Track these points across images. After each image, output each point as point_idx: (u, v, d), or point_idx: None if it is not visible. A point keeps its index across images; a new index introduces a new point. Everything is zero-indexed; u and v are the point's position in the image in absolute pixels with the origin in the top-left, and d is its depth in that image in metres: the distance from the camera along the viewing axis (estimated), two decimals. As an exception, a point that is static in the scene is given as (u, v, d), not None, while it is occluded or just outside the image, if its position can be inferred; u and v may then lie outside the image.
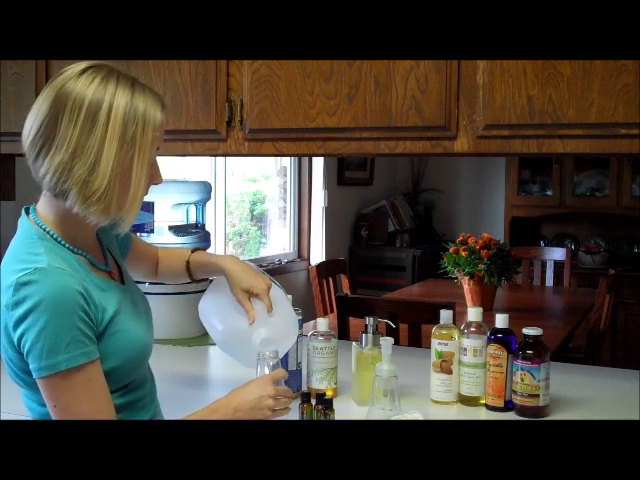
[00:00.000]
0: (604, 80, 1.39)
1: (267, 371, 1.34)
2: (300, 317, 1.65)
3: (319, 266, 3.70)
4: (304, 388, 1.70)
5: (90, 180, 1.13)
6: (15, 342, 1.12)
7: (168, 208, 2.41)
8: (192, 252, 1.57)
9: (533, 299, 3.97)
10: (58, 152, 1.13)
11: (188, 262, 1.56)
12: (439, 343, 1.65)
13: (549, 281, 4.34)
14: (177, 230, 2.39)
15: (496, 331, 1.62)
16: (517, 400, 1.57)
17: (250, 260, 4.16)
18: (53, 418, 1.14)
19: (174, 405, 1.46)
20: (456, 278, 3.26)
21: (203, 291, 1.60)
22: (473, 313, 1.66)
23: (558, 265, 4.37)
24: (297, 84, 1.65)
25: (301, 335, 1.69)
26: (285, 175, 4.53)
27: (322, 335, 1.68)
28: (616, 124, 1.40)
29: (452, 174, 5.55)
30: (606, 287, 3.25)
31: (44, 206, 1.21)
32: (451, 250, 3.24)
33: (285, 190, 4.55)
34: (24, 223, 1.22)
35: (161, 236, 2.35)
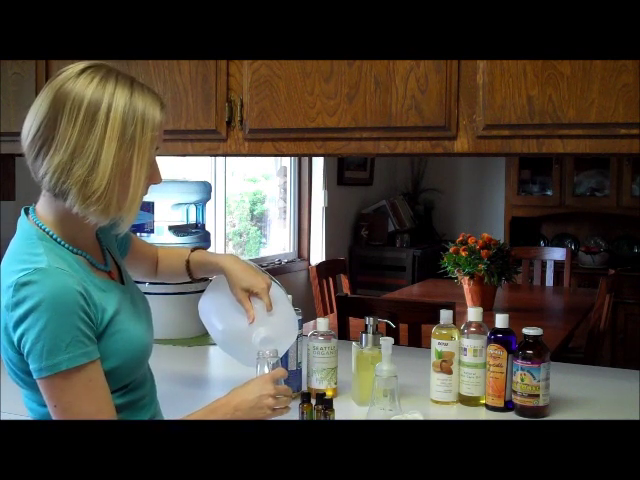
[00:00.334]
0: (604, 80, 1.39)
1: (267, 370, 1.34)
2: (300, 317, 1.65)
3: (319, 266, 3.70)
4: (304, 388, 1.70)
5: (90, 180, 1.13)
6: (15, 342, 1.12)
7: (168, 208, 2.42)
8: (192, 251, 1.57)
9: (533, 299, 3.97)
10: (57, 152, 1.13)
11: (188, 261, 1.56)
12: (439, 343, 1.65)
13: (549, 281, 4.34)
14: (177, 230, 2.39)
15: (496, 331, 1.62)
16: (517, 400, 1.57)
17: (250, 260, 4.15)
18: (54, 418, 1.14)
19: (174, 405, 1.46)
20: (456, 278, 3.26)
21: (203, 291, 1.60)
22: (473, 313, 1.66)
23: (558, 265, 4.37)
24: (297, 84, 1.65)
25: (301, 335, 1.69)
26: (285, 175, 4.54)
27: (322, 335, 1.68)
28: (616, 124, 1.40)
29: (452, 174, 5.54)
30: (606, 287, 3.25)
31: (43, 206, 1.21)
32: (451, 250, 3.24)
33: (285, 190, 4.55)
34: (24, 223, 1.22)
35: (161, 236, 2.35)
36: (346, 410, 1.59)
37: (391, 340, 1.49)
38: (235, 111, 1.73)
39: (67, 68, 1.17)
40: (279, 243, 4.55)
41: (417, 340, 2.40)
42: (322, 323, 1.71)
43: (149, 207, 2.34)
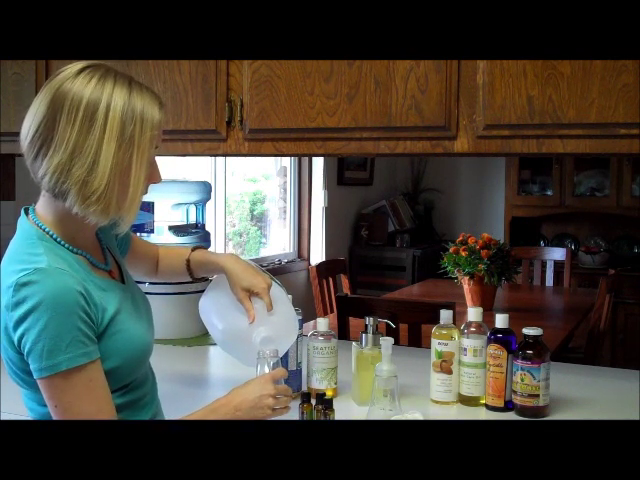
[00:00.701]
0: (604, 80, 1.39)
1: (267, 370, 1.34)
2: (300, 317, 1.65)
3: (319, 266, 3.70)
4: (304, 388, 1.70)
5: (89, 180, 1.13)
6: (15, 343, 1.12)
7: (168, 208, 2.42)
8: (192, 250, 1.57)
9: (533, 299, 3.97)
10: (56, 153, 1.13)
11: (188, 260, 1.56)
12: (439, 343, 1.65)
13: (549, 281, 4.34)
14: (177, 230, 2.39)
15: (496, 331, 1.62)
16: (517, 400, 1.57)
17: (250, 260, 4.15)
18: (54, 418, 1.14)
19: (174, 405, 1.46)
20: (456, 278, 3.26)
21: (203, 291, 1.60)
22: (473, 313, 1.66)
23: (558, 265, 4.37)
24: (297, 84, 1.65)
25: (301, 335, 1.69)
26: (285, 175, 4.54)
27: (322, 335, 1.68)
28: (616, 124, 1.39)
29: (452, 174, 5.55)
30: (606, 287, 3.25)
31: (43, 206, 1.21)
32: (451, 250, 3.24)
33: (285, 190, 4.55)
34: (23, 223, 1.22)
35: (161, 236, 2.35)
36: (346, 410, 1.59)
37: (391, 340, 1.49)
38: (235, 111, 1.73)
39: (65, 68, 1.17)
40: (279, 243, 4.55)
41: (417, 340, 2.40)
42: (322, 323, 1.71)
43: (149, 207, 2.34)
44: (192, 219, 2.48)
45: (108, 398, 1.16)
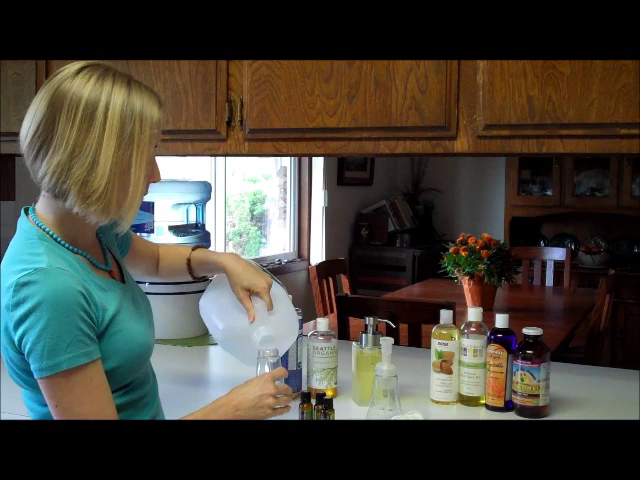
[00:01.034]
0: (604, 80, 1.39)
1: (267, 369, 1.34)
2: (300, 317, 1.65)
3: (319, 266, 3.70)
4: (304, 388, 1.70)
5: (89, 180, 1.13)
6: (16, 343, 1.12)
7: (168, 208, 2.42)
8: (193, 250, 1.57)
9: (533, 299, 3.97)
10: (56, 153, 1.13)
11: (189, 260, 1.56)
12: (439, 343, 1.65)
13: (549, 281, 4.34)
14: (177, 230, 2.39)
15: (496, 331, 1.62)
16: (517, 400, 1.57)
17: (251, 260, 4.15)
18: (55, 418, 1.14)
19: (175, 405, 1.46)
20: (456, 278, 3.26)
21: (203, 291, 1.60)
22: (473, 313, 1.66)
23: (558, 265, 4.36)
24: (297, 84, 1.65)
25: (301, 335, 1.69)
26: (285, 175, 4.54)
27: (322, 335, 1.68)
28: (616, 124, 1.39)
29: (452, 174, 5.55)
30: (606, 287, 3.25)
31: (43, 206, 1.21)
32: (451, 250, 3.24)
33: (285, 190, 4.55)
34: (23, 223, 1.22)
35: (161, 236, 2.35)
36: (346, 410, 1.59)
37: (391, 340, 1.49)
38: (235, 111, 1.73)
39: (64, 68, 1.17)
40: (279, 243, 4.55)
41: (417, 340, 2.40)
42: (322, 323, 1.71)
43: (149, 207, 2.34)
44: (192, 219, 2.48)
45: (109, 398, 1.16)
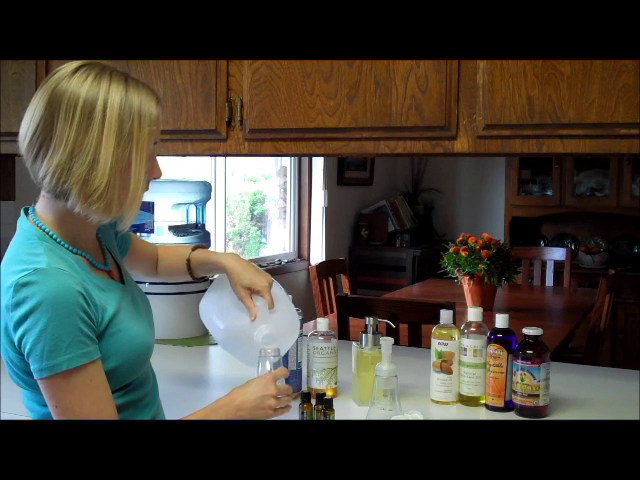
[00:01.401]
0: (604, 80, 1.39)
1: (268, 367, 1.34)
2: (300, 317, 1.65)
3: (319, 266, 3.70)
4: (304, 388, 1.70)
5: (90, 178, 1.13)
6: (16, 343, 1.12)
7: (168, 208, 2.42)
8: (193, 250, 1.57)
9: (533, 299, 3.97)
10: (56, 152, 1.13)
11: (189, 260, 1.56)
12: (439, 343, 1.65)
13: (549, 281, 4.34)
14: (177, 230, 2.39)
15: (496, 331, 1.62)
16: (517, 400, 1.57)
17: (250, 260, 4.15)
18: (55, 418, 1.14)
19: (175, 405, 1.46)
20: (456, 278, 3.26)
21: (203, 291, 1.60)
22: (473, 313, 1.66)
23: (558, 265, 4.36)
24: (297, 84, 1.65)
25: (301, 335, 1.69)
26: (285, 175, 4.53)
27: (322, 335, 1.68)
28: (616, 124, 1.39)
29: (452, 174, 5.55)
30: (606, 287, 3.25)
31: (43, 207, 1.21)
32: (451, 250, 3.24)
33: (285, 190, 4.55)
34: (23, 224, 1.22)
35: (161, 236, 2.35)
36: (346, 410, 1.59)
37: (391, 340, 1.49)
38: (235, 111, 1.73)
39: (60, 68, 1.17)
40: (279, 243, 4.55)
41: (417, 340, 2.40)
42: (322, 323, 1.71)
43: (149, 207, 2.34)
44: (192, 219, 2.48)
45: (109, 398, 1.15)
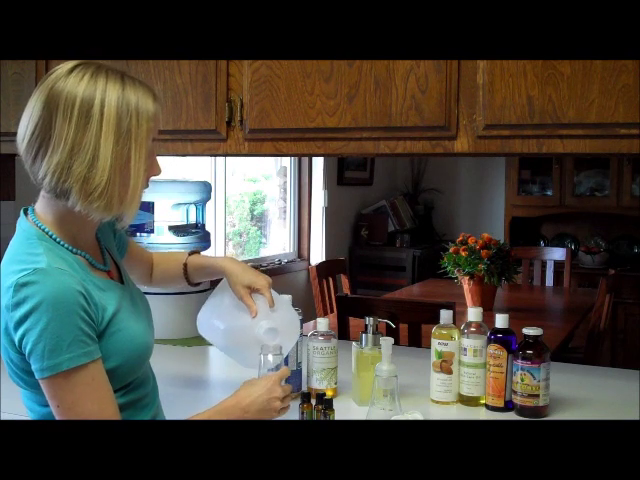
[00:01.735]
0: (604, 80, 1.39)
1: (270, 359, 1.34)
2: (300, 317, 1.65)
3: (319, 266, 3.70)
4: (304, 388, 1.70)
5: (90, 176, 1.13)
6: (16, 343, 1.12)
7: (168, 208, 2.41)
8: (189, 255, 1.58)
9: (533, 299, 3.97)
10: (55, 152, 1.13)
11: (185, 264, 1.56)
12: (439, 343, 1.65)
13: (549, 281, 4.34)
14: (177, 230, 2.39)
15: (496, 331, 1.62)
16: (517, 400, 1.57)
17: (250, 260, 4.16)
18: (57, 418, 1.14)
19: (175, 405, 1.46)
20: (456, 278, 3.26)
21: (203, 291, 1.60)
22: (473, 313, 1.66)
23: (558, 265, 4.36)
24: (297, 84, 1.65)
25: (301, 335, 1.69)
26: (285, 175, 4.53)
27: (322, 335, 1.68)
28: (616, 124, 1.39)
29: (452, 174, 5.54)
30: (606, 287, 3.25)
31: (43, 207, 1.21)
32: (451, 250, 3.24)
33: (285, 190, 4.55)
34: (23, 224, 1.22)
35: (161, 236, 2.35)
36: (346, 410, 1.59)
37: (391, 340, 1.49)
38: (235, 111, 1.73)
39: (56, 68, 1.18)
40: (279, 243, 4.54)
41: (417, 340, 2.40)
42: (322, 323, 1.71)
43: (149, 207, 2.34)
44: (192, 219, 2.48)
45: (111, 397, 1.15)
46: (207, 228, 2.57)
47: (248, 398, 1.26)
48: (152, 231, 2.35)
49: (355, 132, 1.62)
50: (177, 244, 2.37)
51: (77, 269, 1.17)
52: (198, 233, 2.45)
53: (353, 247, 5.12)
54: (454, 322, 1.69)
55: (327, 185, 4.66)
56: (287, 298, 1.63)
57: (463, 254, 3.17)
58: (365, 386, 1.58)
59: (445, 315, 1.67)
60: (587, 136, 1.43)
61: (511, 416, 1.58)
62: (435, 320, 1.72)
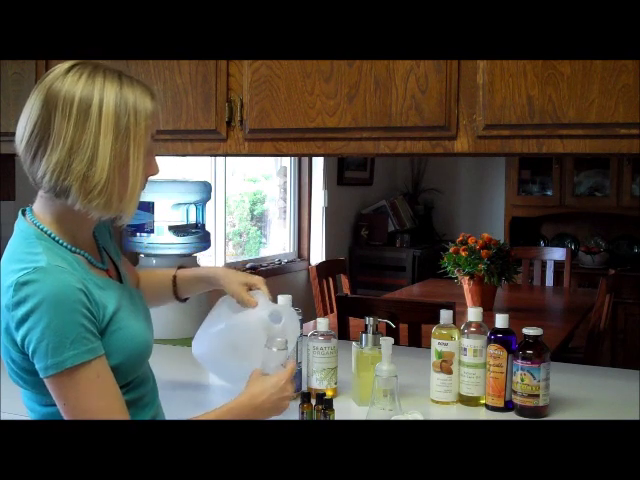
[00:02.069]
0: (604, 80, 1.39)
1: (275, 350, 1.35)
2: (300, 317, 1.65)
3: (319, 266, 3.70)
4: (304, 388, 1.70)
5: (89, 175, 1.14)
6: (18, 342, 1.12)
7: (168, 208, 2.42)
8: (178, 269, 1.58)
9: (533, 299, 3.97)
10: (54, 151, 1.13)
11: (175, 277, 1.56)
12: (439, 343, 1.65)
13: (549, 281, 4.34)
14: (177, 230, 2.39)
15: (496, 331, 1.62)
16: (517, 400, 1.57)
17: (250, 260, 4.16)
18: (64, 417, 1.14)
19: (174, 405, 1.46)
20: (456, 278, 3.26)
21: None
22: (473, 313, 1.66)
23: (558, 265, 4.36)
24: (297, 84, 1.65)
25: (301, 335, 1.69)
26: (285, 175, 4.53)
27: (322, 335, 1.68)
28: (616, 124, 1.39)
29: (452, 174, 5.54)
30: (606, 287, 3.25)
31: (41, 206, 1.21)
32: (451, 250, 3.24)
33: (285, 190, 4.55)
34: (21, 224, 1.22)
35: (161, 236, 2.35)
36: (346, 410, 1.59)
37: (391, 340, 1.49)
38: (235, 111, 1.73)
39: (54, 68, 1.18)
40: (279, 243, 4.54)
41: (417, 340, 2.40)
42: (322, 323, 1.71)
43: (149, 207, 2.34)
44: (192, 219, 2.48)
45: (117, 393, 1.16)
46: (207, 228, 2.57)
47: (262, 396, 1.28)
48: (152, 231, 2.35)
49: (355, 132, 1.62)
50: (177, 244, 2.37)
51: (77, 268, 1.17)
52: (198, 233, 2.45)
53: (353, 247, 5.12)
54: (454, 322, 1.69)
55: (327, 185, 4.66)
56: (287, 298, 1.63)
57: (463, 254, 3.17)
58: (365, 386, 1.58)
59: (445, 315, 1.67)
60: (587, 136, 1.43)
61: (511, 416, 1.58)
62: (435, 320, 1.72)
